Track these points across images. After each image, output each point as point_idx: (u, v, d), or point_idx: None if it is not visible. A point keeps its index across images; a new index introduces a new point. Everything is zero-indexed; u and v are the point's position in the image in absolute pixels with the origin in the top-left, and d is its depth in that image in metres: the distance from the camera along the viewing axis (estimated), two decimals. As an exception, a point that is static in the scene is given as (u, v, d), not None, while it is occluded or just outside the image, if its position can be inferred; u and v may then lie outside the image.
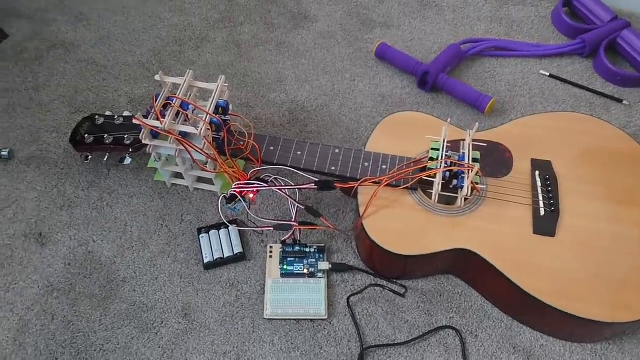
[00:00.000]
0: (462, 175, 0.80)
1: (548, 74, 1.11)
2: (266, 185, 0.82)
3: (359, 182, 0.82)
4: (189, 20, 1.21)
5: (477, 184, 0.79)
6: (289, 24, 1.20)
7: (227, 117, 0.85)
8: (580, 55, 1.14)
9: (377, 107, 1.07)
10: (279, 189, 0.81)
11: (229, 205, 0.82)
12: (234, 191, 0.81)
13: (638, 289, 0.74)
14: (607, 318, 0.72)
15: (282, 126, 1.04)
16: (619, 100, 1.07)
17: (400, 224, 0.80)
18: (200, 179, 0.94)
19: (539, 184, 0.83)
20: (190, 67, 1.12)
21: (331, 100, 1.08)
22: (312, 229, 0.88)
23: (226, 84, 0.85)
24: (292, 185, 0.82)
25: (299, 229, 0.85)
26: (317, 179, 0.83)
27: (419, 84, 1.09)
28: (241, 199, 0.81)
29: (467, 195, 0.79)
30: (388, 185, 0.82)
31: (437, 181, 0.79)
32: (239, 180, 0.83)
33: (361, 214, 0.81)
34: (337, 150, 0.87)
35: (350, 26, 1.20)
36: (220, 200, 0.82)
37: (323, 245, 0.87)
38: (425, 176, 0.79)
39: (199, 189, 0.95)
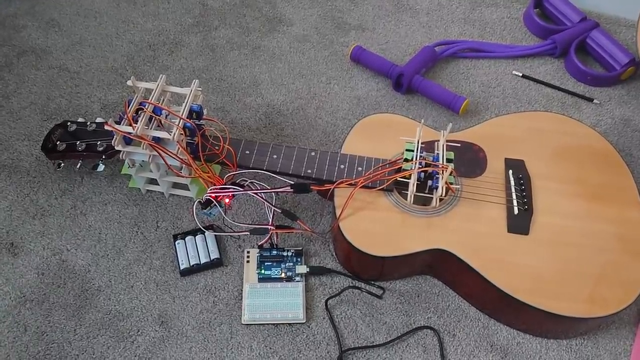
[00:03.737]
0: (437, 175, 0.80)
1: (521, 75, 1.13)
2: (242, 189, 0.81)
3: (335, 184, 0.82)
4: (163, 24, 1.20)
5: (451, 184, 0.80)
6: (263, 28, 1.20)
7: (201, 122, 0.84)
8: (552, 56, 1.16)
9: (353, 109, 1.07)
10: (254, 193, 0.81)
11: (205, 211, 0.82)
12: (209, 196, 0.80)
13: (611, 284, 0.75)
14: (582, 313, 0.73)
15: (259, 130, 1.04)
16: (590, 99, 1.09)
17: (377, 225, 0.80)
18: (175, 185, 0.93)
19: (512, 183, 0.84)
20: (165, 72, 1.12)
21: (307, 104, 1.08)
22: (288, 232, 0.88)
23: (200, 88, 0.84)
24: (268, 189, 0.82)
25: (276, 232, 0.85)
26: (293, 182, 0.83)
27: (394, 86, 1.09)
28: (216, 203, 0.81)
29: (442, 196, 0.80)
30: (364, 187, 0.82)
31: (412, 182, 0.79)
32: (214, 185, 0.82)
33: (337, 216, 0.81)
34: (312, 153, 0.87)
35: (325, 29, 1.20)
36: (195, 206, 0.81)
37: (300, 248, 0.87)
38: (400, 177, 0.80)
39: (175, 195, 0.94)
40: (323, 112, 1.07)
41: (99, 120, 0.94)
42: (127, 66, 1.13)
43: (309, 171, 0.85)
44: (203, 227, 0.86)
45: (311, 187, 0.81)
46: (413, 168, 0.79)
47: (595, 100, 1.09)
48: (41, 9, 1.22)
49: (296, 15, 1.22)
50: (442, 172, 0.79)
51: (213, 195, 0.81)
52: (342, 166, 0.86)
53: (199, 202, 0.81)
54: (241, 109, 1.07)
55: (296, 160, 0.86)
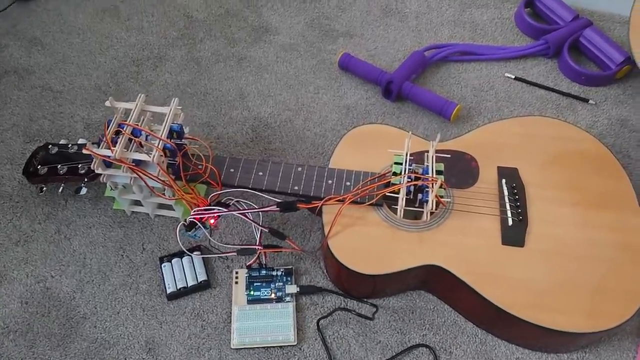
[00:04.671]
0: (427, 189, 0.78)
1: (513, 77, 1.10)
2: (226, 209, 0.79)
3: (322, 201, 0.79)
4: (147, 39, 1.18)
5: (441, 197, 0.77)
6: (249, 38, 1.18)
7: (183, 141, 0.82)
8: (545, 56, 1.13)
9: (342, 119, 1.05)
10: (240, 213, 0.79)
11: (189, 233, 0.79)
12: (193, 218, 0.78)
13: (612, 295, 0.73)
14: (582, 328, 0.71)
15: (245, 145, 1.01)
16: (585, 100, 1.06)
17: (367, 242, 0.78)
18: (161, 206, 0.91)
19: (505, 192, 0.81)
20: (149, 88, 1.09)
21: (295, 115, 1.05)
22: (277, 251, 0.85)
23: (179, 107, 0.82)
24: (254, 209, 0.79)
25: (264, 252, 0.82)
26: (280, 200, 0.80)
27: (384, 94, 1.07)
28: (200, 225, 0.78)
29: (432, 210, 0.77)
30: (352, 202, 0.80)
31: (401, 197, 0.76)
32: (198, 206, 0.80)
33: (326, 233, 0.78)
34: (299, 169, 0.85)
35: (312, 37, 1.17)
36: (178, 228, 0.79)
37: (290, 267, 0.85)
38: (389, 192, 0.77)
39: (161, 216, 0.91)
40: (311, 123, 1.04)
41: (81, 141, 0.92)
42: (111, 83, 1.10)
43: (296, 188, 0.83)
44: (187, 250, 0.84)
45: (298, 205, 0.78)
46: (402, 182, 0.76)
47: (590, 101, 1.06)
48: (23, 27, 1.20)
49: (282, 24, 1.20)
50: (432, 185, 0.76)
51: (197, 217, 0.79)
52: (330, 181, 0.83)
53: (183, 224, 0.79)
54: (227, 123, 1.04)
55: (283, 177, 0.84)
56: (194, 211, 0.78)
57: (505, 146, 0.87)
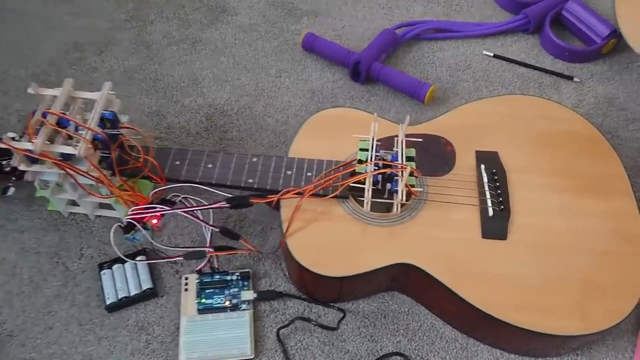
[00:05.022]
0: (396, 177, 0.69)
1: (492, 55, 1.01)
2: (169, 208, 0.69)
3: (279, 194, 0.70)
4: (92, 22, 1.07)
5: (413, 186, 0.68)
6: (205, 19, 1.07)
7: (119, 131, 0.72)
8: (525, 32, 1.04)
9: (306, 104, 0.95)
10: (184, 212, 0.69)
11: (127, 236, 0.69)
12: (130, 219, 0.68)
13: (606, 291, 0.64)
14: (574, 330, 0.63)
15: (199, 134, 0.91)
16: (570, 78, 0.98)
17: (331, 239, 0.69)
18: (102, 205, 0.81)
19: (485, 179, 0.73)
20: (93, 75, 0.99)
21: (254, 101, 0.96)
22: (229, 254, 0.76)
23: (113, 92, 0.72)
24: (201, 206, 0.70)
25: (216, 255, 0.73)
26: (232, 195, 0.70)
27: (352, 76, 0.98)
28: (140, 227, 0.68)
29: (402, 201, 0.68)
30: (314, 195, 0.70)
31: (367, 187, 0.67)
32: (137, 204, 0.70)
33: (284, 231, 0.69)
34: (254, 160, 0.75)
35: (274, 17, 1.07)
36: (113, 231, 0.69)
37: (247, 270, 0.75)
38: (353, 182, 0.68)
39: (102, 217, 0.81)
40: (272, 109, 0.94)
41: (10, 134, 0.81)
42: (51, 71, 0.99)
43: (250, 181, 0.73)
44: (131, 255, 0.74)
45: (251, 200, 0.69)
46: (367, 171, 0.67)
47: (575, 79, 0.98)
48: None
49: (241, 3, 1.10)
50: (401, 173, 0.67)
51: (136, 217, 0.69)
52: (288, 172, 0.74)
53: (119, 225, 0.69)
54: (179, 111, 0.94)
55: (235, 168, 0.74)
56: (132, 210, 0.69)
57: (484, 128, 0.78)
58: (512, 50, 1.02)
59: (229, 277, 0.74)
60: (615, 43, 0.99)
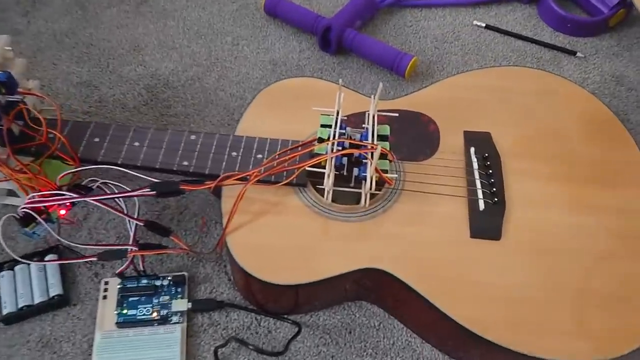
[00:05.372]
0: (366, 160, 0.55)
1: (484, 25, 0.88)
2: (78, 196, 0.55)
3: (217, 180, 0.55)
4: (19, -22, 0.91)
5: (386, 172, 0.55)
6: (153, -22, 0.92)
7: (17, 98, 0.57)
8: (521, 1, 0.91)
9: (267, 77, 0.81)
10: (96, 200, 0.54)
11: (26, 230, 0.55)
12: (26, 208, 0.53)
13: (620, 307, 0.51)
14: (583, 355, 0.50)
15: (136, 109, 0.77)
16: (572, 53, 0.85)
17: (283, 237, 0.55)
18: (10, 192, 0.66)
19: (475, 165, 0.59)
20: (16, 38, 0.83)
21: (206, 72, 0.81)
22: (157, 253, 0.61)
23: (9, 48, 0.57)
24: (118, 193, 0.55)
25: (140, 255, 0.58)
26: (158, 180, 0.56)
27: (321, 45, 0.84)
28: (40, 220, 0.54)
29: (372, 190, 0.54)
30: (262, 182, 0.56)
31: (328, 172, 0.53)
32: (40, 191, 0.55)
33: (224, 227, 0.55)
34: (192, 137, 0.61)
35: (234, -23, 0.93)
36: (1, 223, 0.54)
37: (182, 274, 0.61)
38: (310, 166, 0.54)
39: (9, 205, 0.66)
40: (227, 82, 0.80)
41: None
42: (-35, 33, 0.84)
43: (186, 163, 0.59)
44: (27, 255, 0.60)
45: (181, 187, 0.55)
46: (328, 151, 0.53)
47: (578, 54, 0.85)
48: None
49: (197, -39, 0.95)
50: (371, 156, 0.53)
51: (38, 205, 0.54)
52: (234, 154, 0.60)
53: (14, 217, 0.54)
54: (115, 82, 0.79)
55: (168, 148, 0.60)
56: (29, 198, 0.54)
57: (475, 104, 0.65)
58: (507, 20, 0.89)
59: (158, 282, 0.60)
60: (625, 14, 0.86)
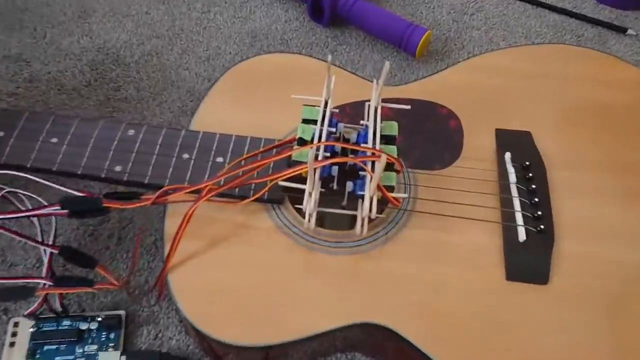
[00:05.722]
0: (363, 173, 0.39)
1: (513, -6, 0.72)
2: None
3: (156, 194, 0.40)
4: None
5: (391, 188, 0.39)
6: None
7: None
8: (559, -35, 0.75)
9: (244, 52, 0.65)
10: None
11: None
12: None
13: None
14: None
15: (76, 91, 0.61)
16: (621, 30, 0.69)
17: (247, 276, 0.40)
18: None
19: (512, 178, 0.44)
20: None
21: (167, 45, 0.65)
22: (76, 291, 0.46)
23: None
24: (13, 213, 0.40)
25: (56, 293, 0.43)
26: (73, 192, 0.41)
27: (312, 14, 0.67)
28: None
29: (372, 214, 0.39)
30: (221, 196, 0.41)
31: (309, 189, 0.38)
32: None
33: (164, 258, 0.40)
34: (131, 132, 0.45)
35: None
36: None
37: (118, 314, 0.46)
38: (285, 179, 0.38)
39: None
40: (193, 58, 0.64)
41: None
42: None
43: (119, 169, 0.43)
44: None
45: (105, 205, 0.39)
46: (309, 158, 0.38)
47: (630, 31, 0.69)
48: None
49: None
50: (371, 166, 0.38)
51: None
52: (185, 156, 0.44)
53: None
54: (52, 56, 0.63)
55: (95, 147, 0.44)
56: None
57: (509, 94, 0.49)
58: (541, -12, 0.73)
59: (85, 325, 0.45)
60: (688, -18, 0.70)
